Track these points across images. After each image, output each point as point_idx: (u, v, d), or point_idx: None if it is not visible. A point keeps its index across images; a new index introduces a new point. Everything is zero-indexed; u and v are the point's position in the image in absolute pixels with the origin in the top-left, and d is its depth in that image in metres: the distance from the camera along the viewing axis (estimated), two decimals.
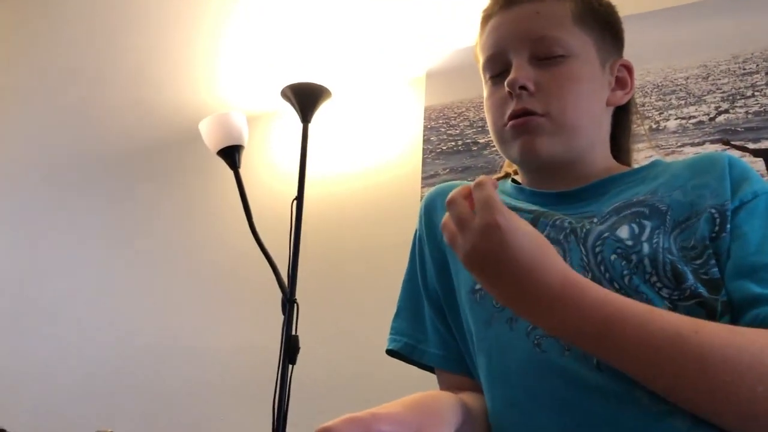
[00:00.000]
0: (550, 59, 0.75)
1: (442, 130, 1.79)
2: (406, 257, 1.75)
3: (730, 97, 1.49)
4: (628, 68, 0.81)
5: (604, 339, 0.58)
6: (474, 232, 0.58)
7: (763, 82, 1.47)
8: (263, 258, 1.59)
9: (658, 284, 0.64)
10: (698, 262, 0.65)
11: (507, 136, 0.76)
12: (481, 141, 1.74)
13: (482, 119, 1.75)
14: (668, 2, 1.55)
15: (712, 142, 1.46)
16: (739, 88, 1.49)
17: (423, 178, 1.77)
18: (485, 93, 0.81)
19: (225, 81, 2.16)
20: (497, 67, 0.78)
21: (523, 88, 0.74)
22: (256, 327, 1.83)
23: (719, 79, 1.51)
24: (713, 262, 0.65)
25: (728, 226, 0.66)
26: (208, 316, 1.94)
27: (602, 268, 0.67)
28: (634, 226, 0.68)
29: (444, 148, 1.78)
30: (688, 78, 1.54)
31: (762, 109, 1.45)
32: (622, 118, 0.84)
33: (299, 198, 1.65)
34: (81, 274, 2.18)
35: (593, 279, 0.66)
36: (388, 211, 1.80)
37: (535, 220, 0.74)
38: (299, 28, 2.06)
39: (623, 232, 0.68)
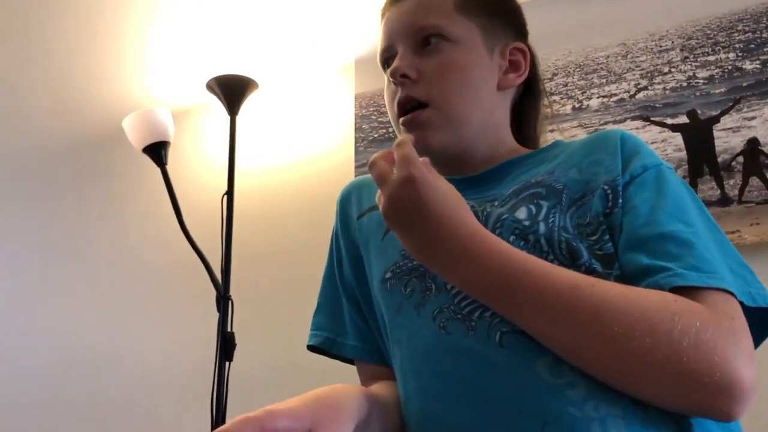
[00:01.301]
0: (431, 47, 0.77)
1: (373, 117, 1.79)
2: None
3: (648, 75, 1.53)
4: (522, 51, 0.82)
5: (507, 292, 0.60)
6: (391, 185, 0.61)
7: (679, 59, 1.51)
8: (196, 255, 1.57)
9: (555, 262, 0.65)
10: (593, 238, 0.67)
11: (401, 130, 0.77)
12: None
13: None
14: None
15: (633, 119, 1.50)
16: (657, 65, 1.53)
17: (356, 167, 1.76)
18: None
19: (152, 75, 2.10)
20: (388, 61, 0.80)
21: (404, 76, 0.76)
22: (191, 326, 1.80)
23: (638, 57, 1.55)
24: (607, 237, 0.66)
25: (620, 200, 0.67)
26: (143, 317, 1.89)
27: None
28: (532, 207, 0.70)
29: (376, 135, 1.77)
30: (608, 57, 1.57)
31: (678, 84, 1.49)
32: (527, 104, 0.85)
33: (229, 192, 1.63)
34: (10, 281, 2.10)
35: None
36: (322, 202, 1.79)
37: None
38: (225, 19, 2.01)
39: (521, 213, 0.70)
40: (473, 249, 0.61)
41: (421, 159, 0.63)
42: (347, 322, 0.82)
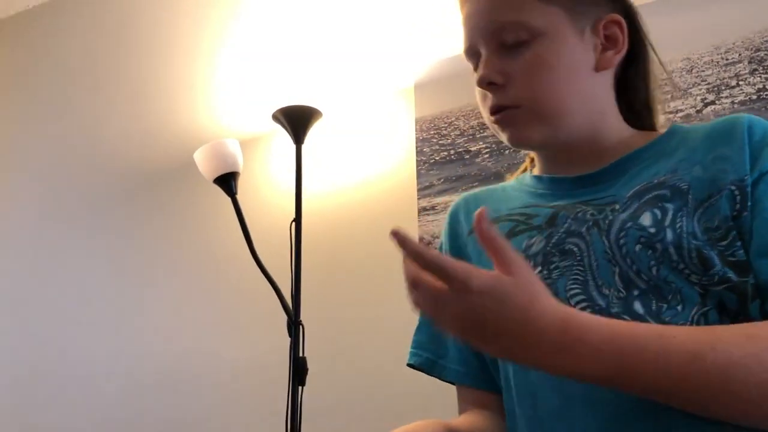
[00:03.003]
0: (517, 45, 0.73)
1: (434, 140, 1.81)
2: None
3: (715, 89, 1.50)
4: (619, 23, 0.75)
5: (622, 376, 0.56)
6: (454, 304, 0.55)
7: (747, 71, 1.48)
8: (267, 282, 1.61)
9: (686, 271, 0.63)
10: (723, 243, 0.63)
11: (496, 129, 0.76)
12: (472, 149, 1.75)
13: (473, 128, 1.77)
14: None
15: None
16: (723, 78, 1.50)
17: (419, 190, 1.78)
18: None
19: (220, 107, 2.18)
20: (474, 60, 0.77)
21: (491, 83, 0.73)
22: (263, 351, 1.84)
23: (703, 71, 1.52)
24: (738, 243, 0.62)
25: (749, 202, 0.63)
26: (216, 342, 1.95)
27: (628, 260, 0.65)
28: (657, 211, 0.66)
29: (437, 158, 1.79)
30: (672, 72, 1.55)
31: (747, 98, 1.46)
32: (632, 73, 0.79)
33: (297, 219, 1.67)
34: (88, 307, 2.19)
35: (620, 272, 0.65)
36: (385, 225, 1.80)
37: (554, 216, 0.73)
38: (288, 51, 2.08)
39: (646, 219, 0.66)
40: (571, 342, 0.56)
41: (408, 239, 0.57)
42: (449, 344, 0.80)
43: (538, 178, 0.80)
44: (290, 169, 1.96)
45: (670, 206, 0.65)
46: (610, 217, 0.68)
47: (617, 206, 0.69)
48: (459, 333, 0.58)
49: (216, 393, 1.90)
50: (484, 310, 0.55)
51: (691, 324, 0.62)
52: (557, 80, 0.73)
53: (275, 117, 1.76)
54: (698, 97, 1.51)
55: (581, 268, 0.68)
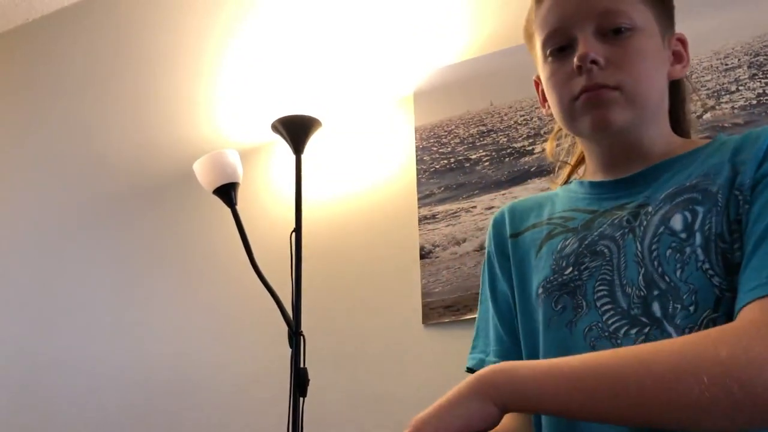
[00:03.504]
0: (617, 33, 0.75)
1: (434, 149, 1.80)
2: (407, 279, 1.76)
3: (715, 94, 1.49)
4: (683, 42, 0.82)
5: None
6: None
7: (746, 76, 1.48)
8: (266, 292, 1.60)
9: (711, 271, 0.65)
10: (736, 246, 0.66)
11: (577, 111, 0.76)
12: (473, 157, 1.75)
13: (472, 136, 1.76)
14: None
15: (701, 139, 1.46)
16: (723, 83, 1.49)
17: (419, 198, 1.77)
18: (546, 71, 0.80)
19: (219, 117, 2.18)
20: (560, 42, 0.78)
21: (594, 62, 0.74)
22: (264, 361, 1.84)
23: (703, 77, 1.52)
24: (737, 245, 0.65)
25: (747, 206, 0.66)
26: (216, 353, 1.94)
27: (656, 263, 0.68)
28: (687, 214, 0.68)
29: (437, 166, 1.78)
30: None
31: (747, 103, 1.46)
32: (675, 89, 0.84)
33: (297, 229, 1.66)
34: (87, 318, 2.19)
35: (645, 273, 0.68)
36: (386, 234, 1.81)
37: (592, 220, 0.76)
38: (287, 61, 2.08)
39: (677, 222, 0.69)
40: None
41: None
42: (492, 339, 0.84)
43: (580, 183, 0.84)
44: (290, 178, 1.96)
45: (700, 209, 0.68)
46: (645, 223, 0.71)
47: (650, 208, 0.72)
48: None
49: (217, 404, 1.89)
50: None
51: (698, 327, 0.64)
52: (652, 72, 0.77)
53: (274, 127, 1.75)
54: (698, 103, 1.50)
55: (609, 268, 0.71)
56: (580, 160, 0.91)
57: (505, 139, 1.71)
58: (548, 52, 0.79)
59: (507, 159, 1.70)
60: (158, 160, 2.27)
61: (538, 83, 0.86)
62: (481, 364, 0.83)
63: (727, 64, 1.50)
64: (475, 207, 1.69)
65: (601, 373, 0.58)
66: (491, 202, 1.67)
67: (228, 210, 1.69)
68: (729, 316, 0.63)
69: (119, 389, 2.06)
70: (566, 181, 0.91)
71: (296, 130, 1.73)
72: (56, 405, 2.15)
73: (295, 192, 1.70)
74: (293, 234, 1.66)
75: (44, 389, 2.19)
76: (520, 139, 1.70)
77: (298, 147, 1.74)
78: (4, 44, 2.85)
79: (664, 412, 0.56)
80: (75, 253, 2.31)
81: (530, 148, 1.67)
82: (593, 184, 0.81)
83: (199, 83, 2.26)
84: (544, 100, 0.84)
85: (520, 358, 0.80)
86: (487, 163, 1.72)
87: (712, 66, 1.52)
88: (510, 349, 0.82)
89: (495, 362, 0.80)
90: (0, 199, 2.57)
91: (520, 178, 1.65)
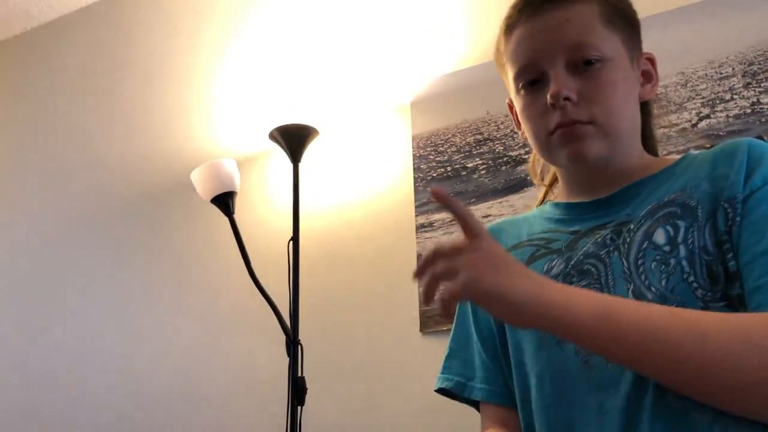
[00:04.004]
0: (587, 66, 0.76)
1: (431, 157, 1.81)
2: (405, 287, 1.76)
3: (710, 103, 1.50)
4: (652, 61, 0.82)
5: (607, 319, 0.63)
6: (472, 251, 0.63)
7: (741, 85, 1.49)
8: (264, 301, 1.60)
9: (695, 284, 0.67)
10: (724, 257, 0.67)
11: (553, 144, 0.77)
12: (469, 165, 1.76)
13: (469, 144, 1.77)
14: (641, 12, 1.57)
15: (696, 148, 1.47)
16: (718, 92, 1.50)
17: (416, 207, 1.78)
18: (520, 103, 0.81)
19: (216, 127, 2.19)
20: (532, 77, 0.79)
21: (567, 99, 0.75)
22: (262, 370, 1.83)
23: (698, 85, 1.53)
24: (730, 255, 0.66)
25: (738, 218, 0.67)
26: (214, 362, 1.94)
27: (642, 276, 0.70)
28: (669, 228, 0.70)
29: (434, 175, 1.79)
30: (667, 86, 1.56)
31: (741, 111, 1.47)
32: (642, 106, 0.84)
33: (295, 238, 1.67)
34: (86, 324, 2.19)
35: (633, 288, 0.70)
36: (383, 243, 1.81)
37: (575, 240, 0.77)
38: (284, 71, 2.09)
39: (659, 236, 0.70)
40: (561, 285, 0.66)
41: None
42: (477, 365, 0.84)
43: (555, 204, 0.85)
44: (287, 187, 1.97)
45: (681, 223, 0.69)
46: (628, 239, 0.72)
47: (632, 225, 0.73)
48: (474, 274, 0.62)
49: (215, 412, 1.89)
50: (492, 249, 0.64)
51: None
52: (624, 102, 0.77)
53: (272, 136, 1.76)
54: (693, 111, 1.52)
55: (598, 286, 0.72)
56: (554, 180, 0.92)
57: (502, 148, 1.72)
58: (520, 86, 0.80)
59: (503, 167, 1.70)
60: (155, 169, 2.27)
61: (512, 107, 0.87)
62: (462, 388, 0.83)
63: (721, 73, 1.51)
64: None
65: (660, 338, 0.61)
66: (488, 210, 1.68)
67: (225, 219, 1.69)
68: None
69: (115, 398, 2.05)
70: (542, 202, 0.92)
71: (294, 139, 1.73)
72: (52, 413, 2.14)
73: (292, 201, 1.71)
74: (291, 243, 1.66)
75: (39, 392, 2.18)
76: (516, 147, 1.70)
77: (295, 156, 1.75)
78: (5, 51, 2.86)
79: (724, 385, 0.59)
80: (73, 262, 2.31)
81: (526, 156, 1.67)
82: (570, 206, 0.82)
83: (195, 92, 2.27)
84: (519, 124, 0.85)
85: (506, 382, 0.81)
86: (483, 172, 1.73)
87: (707, 75, 1.53)
88: (496, 375, 0.82)
89: (482, 389, 0.82)
90: None
91: (517, 186, 1.66)
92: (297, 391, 1.50)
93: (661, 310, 0.63)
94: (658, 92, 0.88)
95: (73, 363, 2.17)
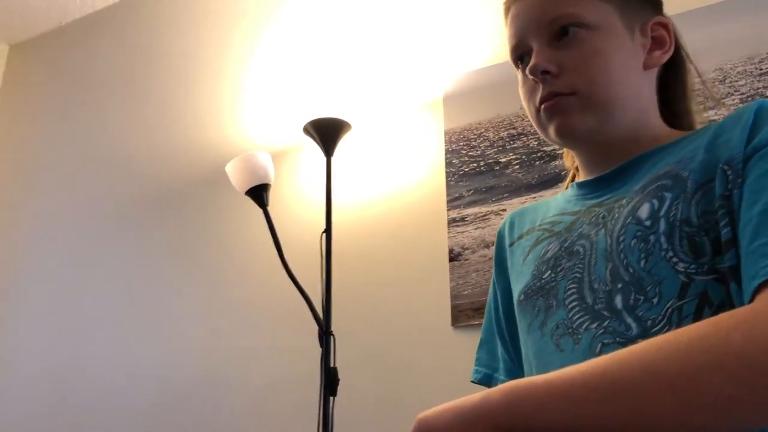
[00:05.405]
0: (569, 38, 0.74)
1: (463, 152, 1.81)
2: (436, 281, 1.76)
3: (750, 99, 1.49)
4: (665, 25, 0.78)
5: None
6: None
7: None
8: (297, 292, 1.62)
9: (674, 259, 0.62)
10: (717, 226, 0.61)
11: (543, 121, 0.76)
12: (502, 160, 1.75)
13: (502, 139, 1.77)
14: (678, 8, 1.56)
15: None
16: (758, 88, 1.49)
17: (448, 201, 1.78)
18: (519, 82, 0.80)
19: (250, 121, 2.21)
20: (522, 54, 0.78)
21: (545, 72, 0.73)
22: (295, 361, 1.85)
23: (737, 81, 1.51)
24: (725, 221, 0.60)
25: (739, 179, 0.60)
26: (247, 352, 1.96)
27: (622, 255, 0.66)
28: (655, 201, 0.66)
29: (467, 170, 1.79)
30: (705, 82, 1.54)
31: None
32: (671, 77, 0.81)
33: (328, 230, 1.68)
34: (120, 316, 2.22)
35: (612, 267, 0.65)
36: (415, 236, 1.82)
37: (574, 221, 0.75)
38: (317, 65, 2.10)
39: (643, 211, 0.66)
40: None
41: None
42: (500, 356, 0.85)
43: (572, 185, 0.83)
44: (319, 181, 1.98)
45: (668, 195, 0.65)
46: (617, 215, 0.69)
47: (624, 201, 0.70)
48: None
49: (247, 403, 1.91)
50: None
51: (662, 318, 0.61)
52: (612, 71, 0.74)
53: (306, 129, 1.77)
54: (732, 108, 1.50)
55: (581, 267, 0.69)
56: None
57: (536, 143, 1.72)
58: (516, 64, 0.80)
59: (537, 162, 1.70)
60: (188, 162, 2.30)
61: None
62: (489, 380, 0.84)
63: (761, 69, 1.49)
64: (504, 210, 1.70)
65: (605, 386, 0.51)
66: (521, 205, 1.67)
67: (256, 212, 1.71)
68: (703, 299, 0.60)
69: (149, 389, 2.09)
70: (568, 185, 0.90)
71: (327, 133, 1.74)
72: (85, 405, 2.18)
73: (325, 193, 1.72)
74: (323, 235, 1.67)
75: (73, 387, 2.22)
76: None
77: (328, 149, 1.76)
78: (41, 46, 2.91)
79: (683, 417, 0.48)
80: (106, 255, 2.35)
81: (560, 151, 1.67)
82: (579, 185, 0.80)
83: (228, 87, 2.29)
84: None
85: (522, 375, 0.79)
86: (517, 167, 1.73)
87: (746, 71, 1.51)
88: (516, 365, 0.82)
89: (504, 381, 0.81)
90: (31, 201, 2.62)
91: (551, 181, 1.66)
92: (329, 381, 1.51)
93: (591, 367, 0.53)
94: (696, 88, 0.85)
95: (106, 357, 2.20)
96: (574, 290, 0.69)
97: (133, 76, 2.55)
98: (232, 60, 2.31)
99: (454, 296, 1.68)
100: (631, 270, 0.65)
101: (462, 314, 1.66)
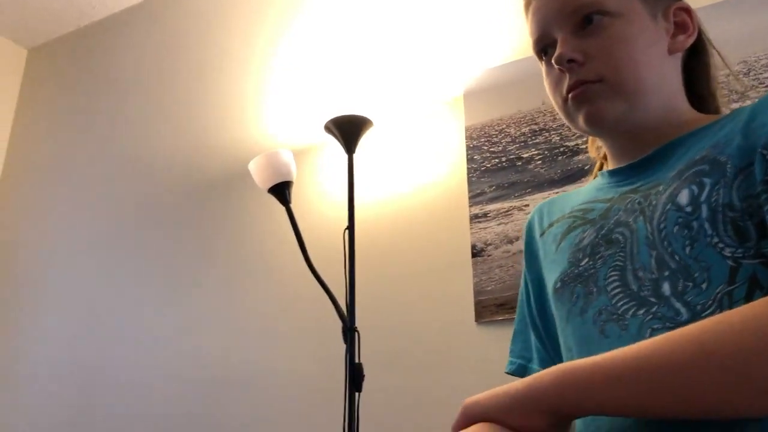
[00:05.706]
0: (593, 26, 0.75)
1: (485, 148, 1.81)
2: (460, 277, 1.77)
3: None
4: (687, 10, 0.79)
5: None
6: None
7: None
8: (321, 289, 1.63)
9: (720, 245, 0.62)
10: (760, 210, 0.61)
11: (571, 111, 0.77)
12: (524, 156, 1.75)
13: (524, 134, 1.77)
14: (703, 0, 1.55)
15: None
16: None
17: (470, 197, 1.78)
18: (543, 74, 0.81)
19: (272, 119, 2.22)
20: (546, 46, 0.79)
21: (571, 61, 0.74)
22: (319, 357, 1.86)
23: (761, 74, 1.50)
24: (767, 207, 0.60)
25: None
26: (271, 348, 1.98)
27: (665, 243, 0.66)
28: (694, 187, 0.65)
29: (488, 165, 1.79)
30: (729, 75, 1.53)
31: None
32: (695, 62, 0.82)
33: (350, 227, 1.69)
34: (144, 312, 2.25)
35: (657, 255, 0.65)
36: (437, 232, 1.82)
37: (609, 209, 0.75)
38: (338, 62, 2.11)
39: (683, 197, 0.66)
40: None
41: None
42: (534, 346, 0.85)
43: (601, 174, 0.83)
44: (341, 178, 2.00)
45: (707, 180, 0.65)
46: (654, 202, 0.69)
47: (661, 188, 0.69)
48: None
49: (272, 399, 1.93)
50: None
51: (713, 303, 0.61)
52: (637, 56, 0.74)
53: (327, 127, 1.78)
54: (756, 100, 1.49)
55: (622, 255, 0.69)
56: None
57: (558, 138, 1.72)
58: (541, 60, 0.81)
59: (560, 157, 1.70)
60: (211, 160, 2.32)
61: None
62: (523, 370, 0.84)
63: None
64: (527, 205, 1.70)
65: (655, 367, 0.52)
66: (544, 200, 1.67)
67: (278, 210, 1.72)
68: (753, 283, 0.60)
69: (173, 387, 2.11)
70: (596, 175, 0.91)
71: (348, 130, 1.75)
72: (110, 401, 2.20)
73: (348, 190, 1.73)
74: (346, 231, 1.68)
75: (94, 386, 2.25)
76: (572, 137, 1.70)
77: (350, 146, 1.77)
78: (60, 48, 2.95)
79: (733, 398, 0.50)
80: (130, 252, 2.37)
81: (583, 146, 1.67)
82: (611, 173, 0.80)
83: (250, 85, 2.31)
84: None
85: (561, 360, 0.79)
86: (539, 162, 1.73)
87: None
88: (551, 354, 0.83)
89: (538, 371, 0.80)
90: (53, 203, 2.65)
91: (574, 176, 1.65)
92: (354, 377, 1.52)
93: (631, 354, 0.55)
94: (720, 81, 0.86)
95: (129, 355, 2.23)
96: (616, 277, 0.69)
97: (154, 76, 2.57)
98: (256, 60, 2.33)
99: (477, 292, 1.68)
100: (677, 257, 0.64)
101: (485, 310, 1.66)
